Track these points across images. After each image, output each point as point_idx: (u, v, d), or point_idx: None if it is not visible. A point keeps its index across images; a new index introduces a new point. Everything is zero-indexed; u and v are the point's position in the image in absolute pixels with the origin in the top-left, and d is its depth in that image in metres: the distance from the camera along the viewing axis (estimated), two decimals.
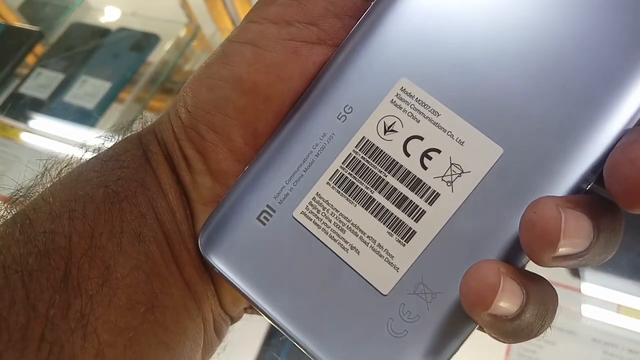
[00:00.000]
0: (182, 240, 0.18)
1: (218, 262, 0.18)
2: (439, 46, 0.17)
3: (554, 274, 0.50)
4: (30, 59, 0.84)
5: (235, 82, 0.18)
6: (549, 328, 0.16)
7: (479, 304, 0.14)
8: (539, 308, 0.15)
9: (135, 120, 0.22)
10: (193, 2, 0.83)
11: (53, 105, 0.73)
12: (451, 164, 0.16)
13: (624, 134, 0.15)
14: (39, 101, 0.74)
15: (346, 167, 0.17)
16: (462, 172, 0.16)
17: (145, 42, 0.78)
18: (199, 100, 0.19)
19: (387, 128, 0.17)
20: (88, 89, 0.73)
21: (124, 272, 0.16)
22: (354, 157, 0.17)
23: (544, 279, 0.16)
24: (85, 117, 0.70)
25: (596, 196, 0.16)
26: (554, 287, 0.16)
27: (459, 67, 0.17)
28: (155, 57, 0.78)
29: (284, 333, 0.17)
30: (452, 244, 0.16)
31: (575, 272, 0.49)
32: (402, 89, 0.17)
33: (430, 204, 0.17)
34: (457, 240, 0.16)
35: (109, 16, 0.89)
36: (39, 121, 0.73)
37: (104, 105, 0.71)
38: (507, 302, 0.14)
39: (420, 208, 0.17)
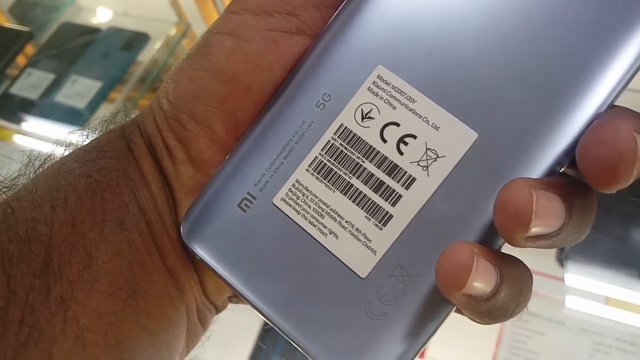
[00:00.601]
0: (164, 229, 0.19)
1: (200, 250, 0.18)
2: (415, 34, 0.17)
3: (540, 265, 0.50)
4: (20, 60, 0.84)
5: (215, 72, 0.18)
6: (526, 309, 0.17)
7: (453, 284, 0.15)
8: (513, 288, 0.15)
9: (118, 113, 0.22)
10: (183, 1, 0.83)
11: (44, 106, 0.73)
12: (427, 149, 0.17)
13: (595, 118, 0.16)
14: (29, 101, 0.74)
15: (325, 153, 0.18)
16: (438, 156, 0.17)
17: (135, 41, 0.78)
18: (181, 91, 0.19)
19: (364, 115, 0.17)
20: (78, 89, 0.73)
21: (105, 258, 0.17)
22: (333, 144, 0.18)
23: (519, 259, 0.16)
24: (76, 117, 0.70)
25: (569, 178, 0.16)
26: (529, 268, 0.17)
27: (434, 54, 0.17)
28: (146, 56, 0.78)
29: (265, 318, 0.18)
30: (428, 227, 0.17)
31: (562, 263, 0.49)
32: (379, 77, 0.17)
33: (407, 188, 0.17)
34: (433, 223, 0.17)
35: (99, 16, 0.89)
36: (29, 121, 0.73)
37: (94, 105, 0.71)
38: (480, 282, 0.15)
39: (397, 192, 0.17)
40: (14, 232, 0.16)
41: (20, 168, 0.20)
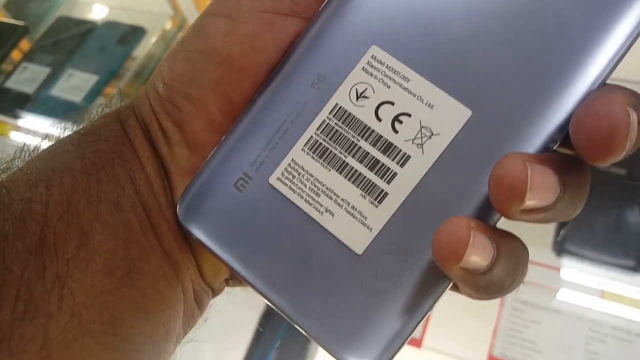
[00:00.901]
0: (160, 211, 0.19)
1: (196, 230, 0.18)
2: (408, 14, 0.17)
3: (536, 255, 0.50)
4: (15, 54, 0.84)
5: (210, 53, 0.19)
6: (522, 284, 0.17)
7: (451, 258, 0.15)
8: (509, 262, 0.16)
9: (113, 98, 0.22)
10: None
11: (40, 100, 0.73)
12: (421, 127, 0.17)
13: (588, 95, 0.16)
14: (25, 95, 0.74)
15: (320, 133, 0.18)
16: (432, 134, 0.17)
17: (131, 35, 0.78)
18: (176, 73, 0.19)
19: (359, 94, 0.18)
20: (75, 83, 0.73)
21: (101, 238, 0.17)
22: (328, 123, 0.18)
23: (514, 235, 0.17)
24: (72, 111, 0.70)
25: (562, 155, 0.16)
26: (524, 244, 0.17)
27: (428, 33, 0.17)
28: (141, 51, 0.78)
29: (262, 297, 0.18)
30: (424, 204, 0.17)
31: (558, 251, 0.50)
32: (373, 57, 0.18)
33: (402, 166, 0.17)
34: (429, 199, 0.17)
35: (95, 10, 0.88)
36: (25, 115, 0.73)
37: (91, 98, 0.71)
38: (477, 256, 0.15)
39: (392, 170, 0.17)
40: (9, 212, 0.16)
41: (15, 152, 0.20)
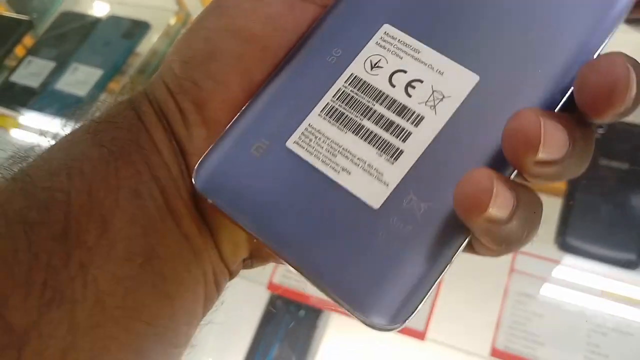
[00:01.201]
0: (178, 195, 0.19)
1: (213, 195, 0.18)
2: None
3: (539, 249, 0.51)
4: (18, 50, 0.84)
5: (233, 31, 0.19)
6: (535, 237, 0.17)
7: (475, 208, 0.15)
8: (527, 213, 0.16)
9: (125, 87, 0.23)
10: None
11: (45, 94, 0.73)
12: (433, 90, 0.18)
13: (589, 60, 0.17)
14: (30, 89, 0.74)
15: (336, 99, 0.18)
16: (444, 97, 0.18)
17: (136, 29, 0.78)
18: (195, 50, 0.19)
19: (373, 65, 0.18)
20: (80, 77, 0.73)
21: (121, 225, 0.17)
22: (344, 91, 0.18)
23: (529, 186, 0.17)
24: (77, 104, 0.71)
25: (569, 114, 0.17)
26: (539, 196, 0.17)
27: (434, 9, 0.19)
28: (145, 46, 0.78)
29: (283, 259, 0.18)
30: (438, 160, 0.17)
31: (560, 245, 0.50)
32: (386, 33, 0.19)
33: (416, 125, 0.18)
34: (443, 155, 0.17)
35: (99, 5, 0.89)
36: (31, 109, 0.73)
37: (95, 93, 0.72)
38: (499, 206, 0.15)
39: (407, 130, 0.18)
40: (34, 199, 0.17)
41: (32, 142, 0.20)
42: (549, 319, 0.48)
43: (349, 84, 0.18)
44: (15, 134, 0.76)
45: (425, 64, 0.18)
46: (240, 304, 0.55)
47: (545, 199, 0.17)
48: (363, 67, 0.18)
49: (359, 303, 0.17)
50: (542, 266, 0.50)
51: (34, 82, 0.75)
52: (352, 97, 0.18)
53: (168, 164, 0.19)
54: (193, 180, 0.19)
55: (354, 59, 0.19)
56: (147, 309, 0.17)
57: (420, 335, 0.50)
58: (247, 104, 0.19)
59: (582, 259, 0.50)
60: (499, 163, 0.17)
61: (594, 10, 0.17)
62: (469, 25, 0.18)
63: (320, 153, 0.18)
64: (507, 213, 0.15)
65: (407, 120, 0.18)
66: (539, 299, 0.49)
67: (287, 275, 0.58)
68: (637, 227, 0.50)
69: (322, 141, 0.18)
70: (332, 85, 0.18)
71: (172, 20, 0.81)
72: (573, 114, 0.17)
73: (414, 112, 0.18)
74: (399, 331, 0.17)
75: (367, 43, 0.19)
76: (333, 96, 0.18)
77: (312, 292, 0.54)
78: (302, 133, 0.18)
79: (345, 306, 0.17)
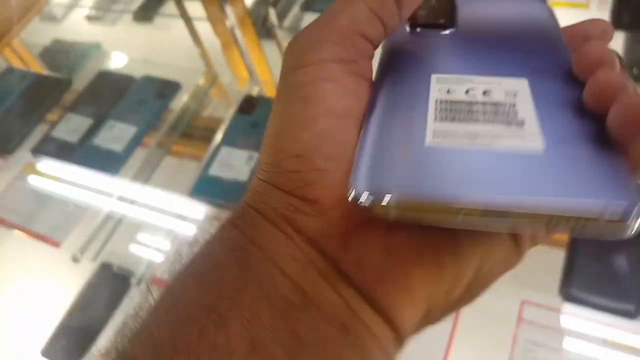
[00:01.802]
0: (315, 282, 0.18)
1: (393, 188, 0.18)
2: (445, 47, 0.24)
3: (544, 298, 0.54)
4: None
5: (328, 111, 0.20)
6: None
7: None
8: None
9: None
10: (212, 52, 0.90)
11: (83, 148, 0.79)
12: (505, 91, 0.21)
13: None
14: (69, 144, 0.81)
15: (438, 112, 0.21)
16: (516, 93, 0.21)
17: (167, 89, 0.85)
18: (305, 142, 0.19)
19: (446, 91, 0.22)
20: (116, 133, 0.79)
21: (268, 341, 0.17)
22: (440, 105, 0.21)
23: None
24: (114, 159, 0.76)
25: None
26: None
27: (466, 49, 0.24)
28: (176, 104, 0.85)
29: (492, 209, 0.17)
30: (550, 107, 0.20)
31: (565, 297, 0.54)
32: (437, 79, 0.22)
33: (515, 97, 0.21)
34: (552, 103, 0.21)
35: (133, 64, 0.96)
36: (70, 163, 0.79)
37: (131, 148, 0.77)
38: None
39: (511, 103, 0.21)
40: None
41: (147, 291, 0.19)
42: None
43: (439, 104, 0.21)
44: (57, 186, 0.81)
45: (483, 83, 0.21)
46: None
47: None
48: (439, 93, 0.21)
49: (590, 198, 0.16)
50: (549, 315, 0.54)
51: (73, 138, 0.81)
52: (450, 107, 0.21)
53: (301, 258, 0.19)
54: (360, 199, 0.18)
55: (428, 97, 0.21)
56: None
57: None
58: (365, 132, 0.20)
59: (586, 309, 0.53)
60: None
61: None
62: (486, 51, 0.23)
63: (459, 139, 0.19)
64: None
65: (504, 101, 0.20)
66: (546, 346, 0.53)
67: None
68: (637, 278, 0.53)
69: (454, 134, 0.20)
70: (428, 104, 0.21)
71: (201, 81, 0.88)
72: None
73: (502, 102, 0.21)
74: None
75: (429, 87, 0.22)
76: (435, 101, 0.21)
77: None
78: (433, 133, 0.20)
79: (575, 207, 0.16)
